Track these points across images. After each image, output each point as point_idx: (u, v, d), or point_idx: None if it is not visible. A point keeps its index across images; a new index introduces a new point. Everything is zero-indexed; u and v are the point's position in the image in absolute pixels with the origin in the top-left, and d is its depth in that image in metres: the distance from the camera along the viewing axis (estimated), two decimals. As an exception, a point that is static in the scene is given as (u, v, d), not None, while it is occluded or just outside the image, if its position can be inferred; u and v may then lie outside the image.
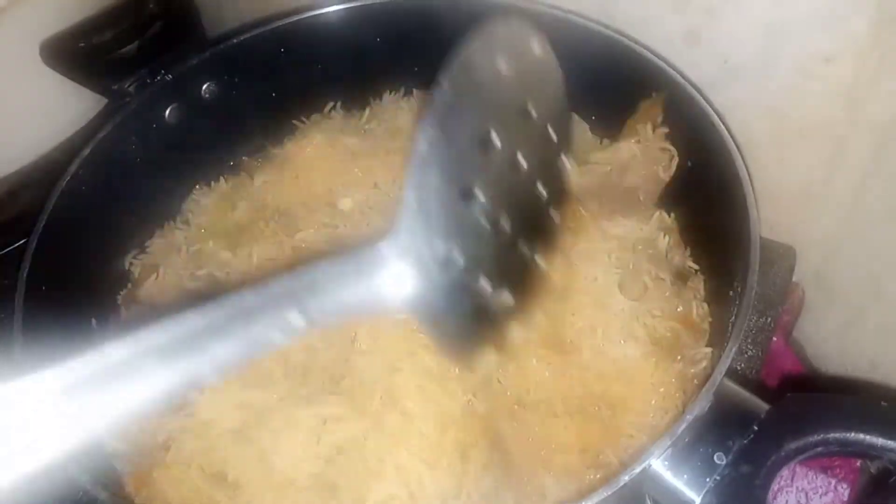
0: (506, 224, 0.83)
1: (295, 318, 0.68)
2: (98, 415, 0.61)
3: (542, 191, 0.89)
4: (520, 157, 0.84)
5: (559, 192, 0.93)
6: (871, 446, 0.88)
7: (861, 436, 0.89)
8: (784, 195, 1.50)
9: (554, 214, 0.93)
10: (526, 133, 0.85)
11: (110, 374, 0.61)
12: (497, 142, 0.80)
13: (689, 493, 0.91)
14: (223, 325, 0.66)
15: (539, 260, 0.92)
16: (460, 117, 0.76)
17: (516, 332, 0.90)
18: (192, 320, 0.65)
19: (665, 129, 1.38)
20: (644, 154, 1.38)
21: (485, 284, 0.82)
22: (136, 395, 0.62)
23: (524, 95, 0.84)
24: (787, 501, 1.42)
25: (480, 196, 0.78)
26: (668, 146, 1.37)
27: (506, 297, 0.85)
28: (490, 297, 0.83)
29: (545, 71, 0.88)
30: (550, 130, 0.88)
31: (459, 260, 0.77)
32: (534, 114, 0.85)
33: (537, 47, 0.85)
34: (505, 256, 0.85)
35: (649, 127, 1.38)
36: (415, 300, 0.75)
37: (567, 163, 0.94)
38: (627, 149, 1.40)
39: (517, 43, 0.83)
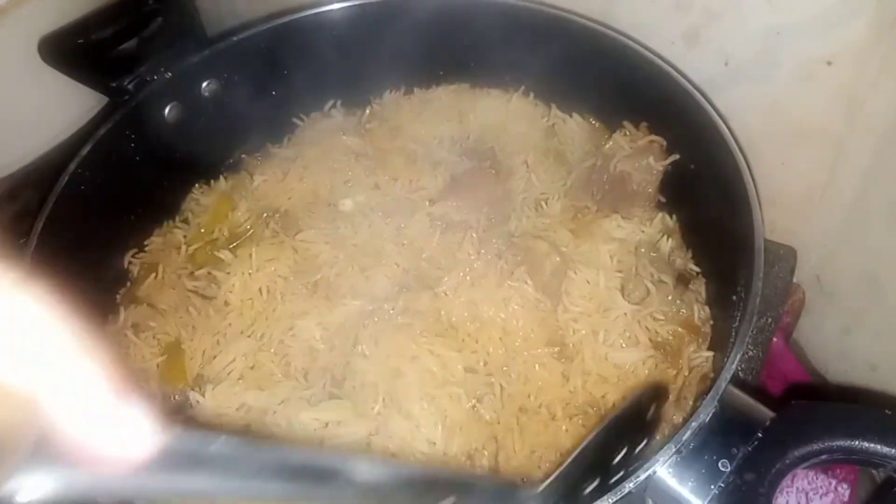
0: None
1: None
2: None
3: None
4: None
5: None
6: (875, 454, 0.89)
7: (865, 444, 0.89)
8: (784, 197, 1.50)
9: None
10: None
11: None
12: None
13: (694, 501, 0.91)
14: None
15: None
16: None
17: None
18: None
19: (646, 123, 1.40)
20: (632, 146, 1.38)
21: None
22: None
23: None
24: (787, 502, 1.42)
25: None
26: (655, 137, 1.38)
27: None
28: None
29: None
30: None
31: None
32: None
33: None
34: None
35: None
36: None
37: None
38: (613, 141, 1.40)
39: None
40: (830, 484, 1.43)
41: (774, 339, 1.45)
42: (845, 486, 1.43)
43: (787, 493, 1.43)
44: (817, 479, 1.43)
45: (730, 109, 1.37)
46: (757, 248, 1.06)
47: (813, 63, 1.31)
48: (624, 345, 1.18)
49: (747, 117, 1.42)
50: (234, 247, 1.34)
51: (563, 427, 1.15)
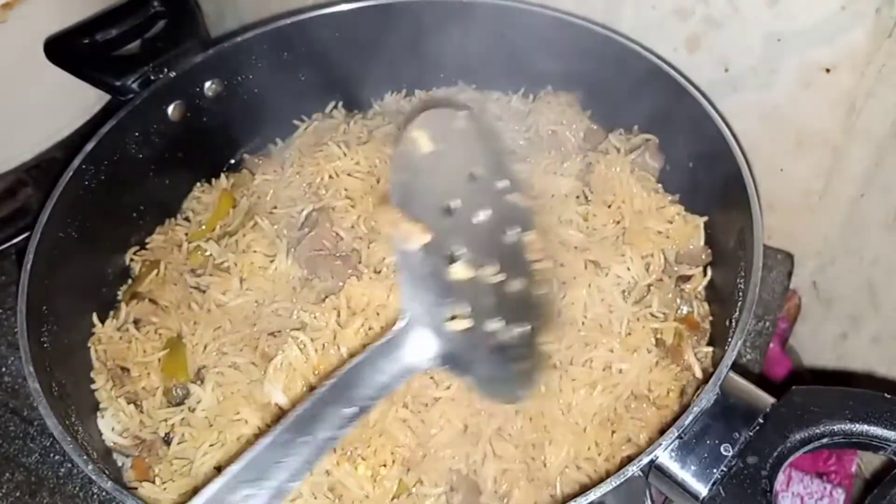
0: (493, 270, 0.94)
1: (348, 411, 0.82)
2: None
3: (511, 231, 1.00)
4: (480, 213, 0.96)
5: (525, 227, 1.02)
6: (875, 437, 0.90)
7: (865, 427, 0.90)
8: (782, 203, 1.51)
9: (530, 248, 1.02)
10: (478, 191, 0.97)
11: None
12: (455, 206, 0.93)
13: (696, 485, 0.92)
14: (290, 443, 0.80)
15: (534, 290, 1.01)
16: (415, 199, 0.89)
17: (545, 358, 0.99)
18: (261, 449, 0.78)
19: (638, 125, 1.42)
20: (626, 145, 1.41)
21: (496, 325, 0.93)
22: None
23: (466, 164, 0.96)
24: (783, 506, 1.42)
25: (461, 254, 0.91)
26: (650, 136, 1.40)
27: (520, 330, 0.95)
28: (506, 335, 0.93)
29: (476, 137, 1.00)
30: (499, 183, 1.00)
31: (466, 312, 0.89)
32: (480, 174, 0.97)
33: (462, 122, 0.97)
34: (505, 297, 0.96)
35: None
36: (440, 358, 0.88)
37: (520, 198, 1.02)
38: (608, 140, 1.42)
39: (444, 125, 0.95)
40: (826, 489, 1.43)
41: (771, 345, 1.46)
42: (840, 490, 1.44)
43: (782, 497, 1.44)
44: (812, 483, 1.44)
45: (730, 115, 1.38)
46: (756, 238, 1.08)
47: (813, 70, 1.33)
48: (625, 346, 1.17)
49: (747, 123, 1.43)
50: (233, 243, 1.34)
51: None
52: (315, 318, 1.18)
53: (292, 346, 1.14)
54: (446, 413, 1.12)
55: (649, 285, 1.24)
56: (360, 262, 1.26)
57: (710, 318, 1.25)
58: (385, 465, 1.08)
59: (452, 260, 0.91)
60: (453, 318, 0.89)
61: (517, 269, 0.98)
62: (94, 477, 0.97)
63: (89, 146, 1.29)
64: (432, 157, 0.91)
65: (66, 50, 1.39)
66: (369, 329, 1.15)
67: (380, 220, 0.97)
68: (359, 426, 1.07)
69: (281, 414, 1.12)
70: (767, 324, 1.44)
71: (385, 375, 0.86)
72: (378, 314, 1.17)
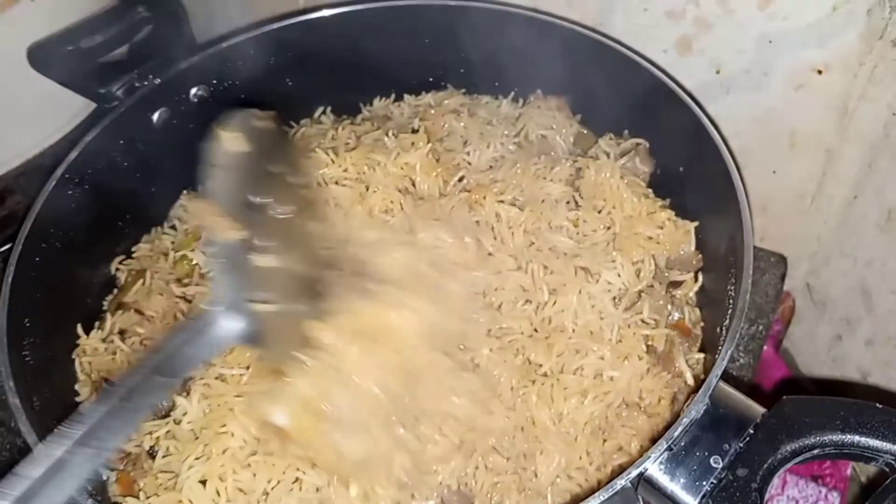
0: (292, 258, 1.06)
1: (166, 381, 0.93)
2: None
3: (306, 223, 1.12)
4: (277, 205, 1.06)
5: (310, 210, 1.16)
6: (867, 448, 0.89)
7: (857, 437, 0.89)
8: (775, 205, 1.50)
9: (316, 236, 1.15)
10: (275, 186, 1.08)
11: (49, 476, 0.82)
12: (256, 201, 1.03)
13: (686, 498, 0.91)
14: (117, 408, 0.88)
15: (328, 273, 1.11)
16: (230, 195, 1.01)
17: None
18: (95, 412, 0.86)
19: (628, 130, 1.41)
20: (617, 149, 1.40)
21: (298, 307, 1.04)
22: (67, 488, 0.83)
23: (264, 162, 1.08)
24: (777, 510, 1.42)
25: (262, 244, 1.01)
26: (640, 140, 1.39)
27: (317, 309, 1.04)
28: (304, 313, 1.03)
29: (271, 136, 1.14)
30: (291, 176, 1.14)
31: (269, 296, 1.00)
32: (274, 170, 1.10)
33: (262, 122, 1.11)
34: (303, 281, 1.07)
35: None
36: (243, 336, 1.00)
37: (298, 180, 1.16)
38: (598, 145, 1.41)
39: (247, 129, 1.06)
40: (820, 492, 1.43)
41: (765, 348, 1.45)
42: (835, 494, 1.43)
43: (777, 501, 1.43)
44: (807, 487, 1.43)
45: (721, 117, 1.38)
46: (746, 244, 1.07)
47: (805, 72, 1.32)
48: (616, 354, 1.16)
49: (739, 125, 1.42)
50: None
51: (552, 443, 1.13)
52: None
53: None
54: (443, 429, 1.10)
55: (640, 291, 1.22)
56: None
57: (702, 323, 1.24)
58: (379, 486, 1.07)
59: (258, 250, 1.01)
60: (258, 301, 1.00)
61: (311, 256, 1.11)
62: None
63: (72, 155, 1.27)
64: (241, 156, 1.03)
65: (50, 57, 1.37)
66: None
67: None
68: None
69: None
70: (760, 327, 1.43)
71: (198, 350, 0.97)
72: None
